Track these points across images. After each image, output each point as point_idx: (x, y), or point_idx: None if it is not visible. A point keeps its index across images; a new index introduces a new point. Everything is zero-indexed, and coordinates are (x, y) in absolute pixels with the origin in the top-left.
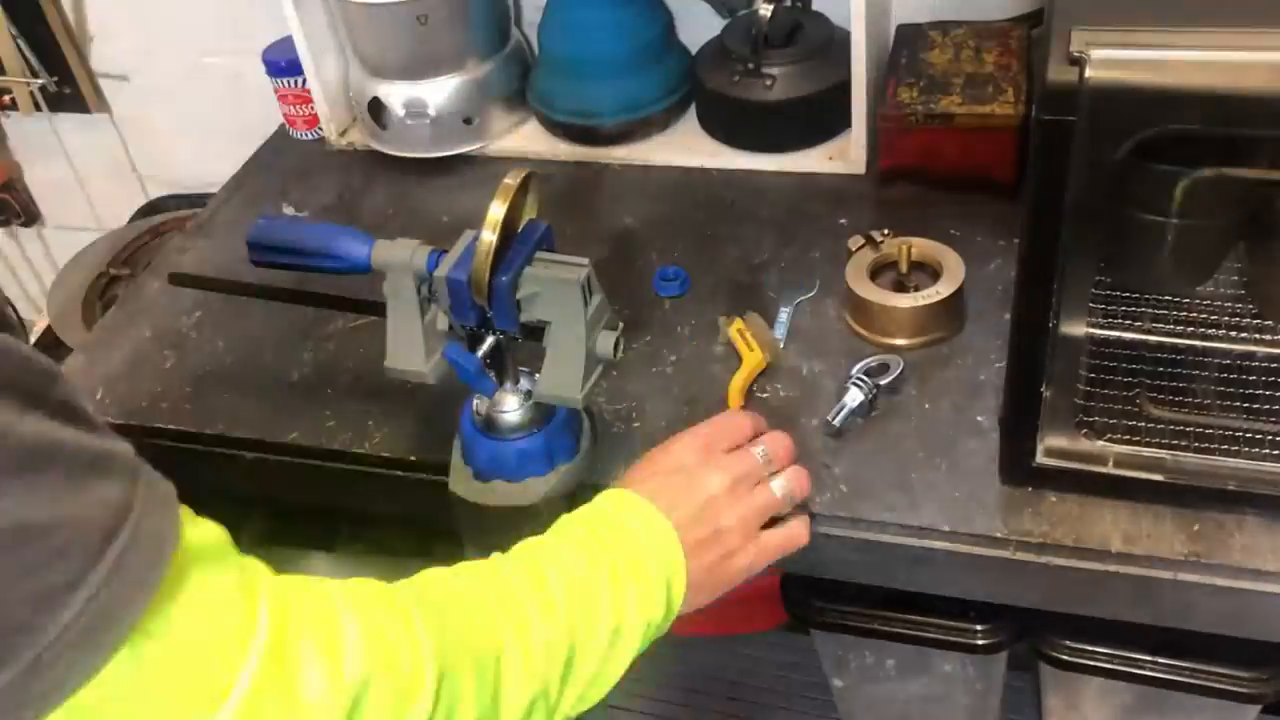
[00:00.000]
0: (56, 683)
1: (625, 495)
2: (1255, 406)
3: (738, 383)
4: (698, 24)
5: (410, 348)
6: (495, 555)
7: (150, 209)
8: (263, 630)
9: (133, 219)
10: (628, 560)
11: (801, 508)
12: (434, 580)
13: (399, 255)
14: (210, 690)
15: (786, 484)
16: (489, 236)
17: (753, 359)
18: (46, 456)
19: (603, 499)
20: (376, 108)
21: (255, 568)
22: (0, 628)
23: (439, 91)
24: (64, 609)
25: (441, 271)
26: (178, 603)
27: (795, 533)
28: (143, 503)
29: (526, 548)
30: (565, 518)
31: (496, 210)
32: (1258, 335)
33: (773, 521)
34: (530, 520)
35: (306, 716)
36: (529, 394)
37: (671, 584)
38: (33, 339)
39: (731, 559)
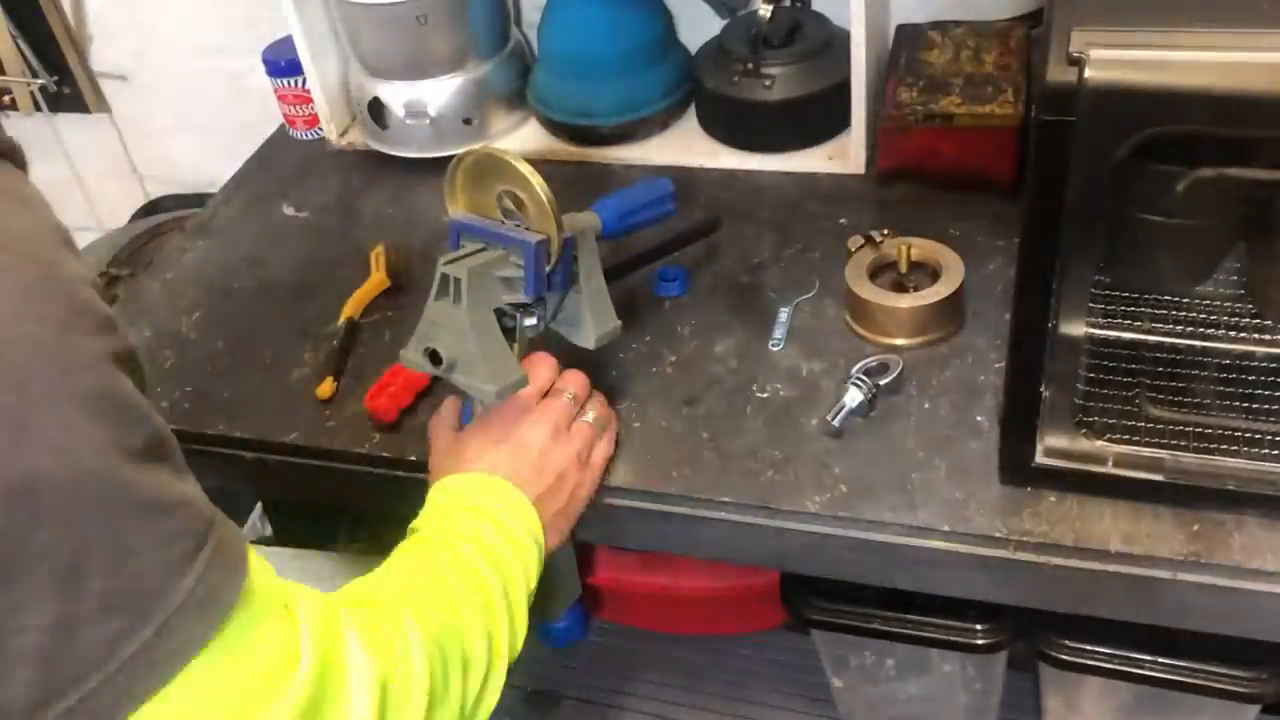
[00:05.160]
0: (177, 648)
1: (479, 479)
2: (1255, 406)
3: (358, 296)
4: (698, 24)
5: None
6: (417, 545)
7: (150, 209)
8: (307, 642)
9: (133, 219)
10: (506, 537)
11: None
12: (407, 586)
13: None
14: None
15: (595, 413)
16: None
17: (375, 279)
18: (164, 446)
19: (458, 484)
20: (376, 108)
21: (294, 590)
22: (138, 590)
23: (439, 91)
24: (184, 577)
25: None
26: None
27: (608, 449)
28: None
29: (442, 543)
30: (442, 505)
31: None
32: (1257, 335)
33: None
34: None
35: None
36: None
37: (538, 539)
38: None
39: (576, 493)
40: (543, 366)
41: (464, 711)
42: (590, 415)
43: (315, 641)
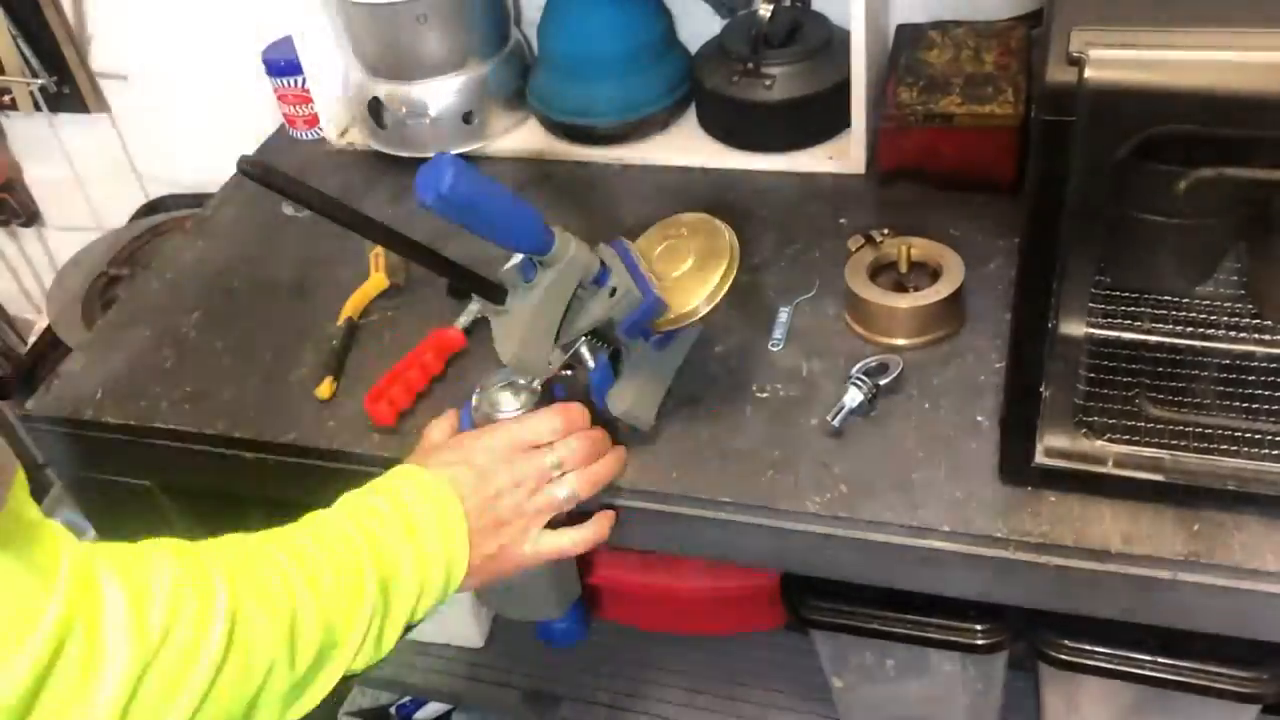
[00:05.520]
0: None
1: (426, 476)
2: (1255, 406)
3: (358, 296)
4: (698, 24)
5: (540, 345)
6: (310, 519)
7: (150, 209)
8: (63, 579)
9: (132, 219)
10: (420, 538)
11: (608, 505)
12: (234, 540)
13: (582, 257)
14: (13, 630)
15: (572, 487)
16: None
17: (375, 279)
18: None
19: (404, 477)
20: (376, 107)
21: (60, 533)
22: None
23: (439, 91)
24: None
25: (633, 297)
26: None
27: (582, 535)
28: None
29: (337, 512)
30: (365, 490)
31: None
32: (1257, 335)
33: (581, 517)
34: None
35: (108, 663)
36: (533, 393)
37: (451, 566)
38: (32, 339)
39: (507, 550)
40: (555, 417)
41: (280, 689)
42: (565, 490)
43: (68, 590)
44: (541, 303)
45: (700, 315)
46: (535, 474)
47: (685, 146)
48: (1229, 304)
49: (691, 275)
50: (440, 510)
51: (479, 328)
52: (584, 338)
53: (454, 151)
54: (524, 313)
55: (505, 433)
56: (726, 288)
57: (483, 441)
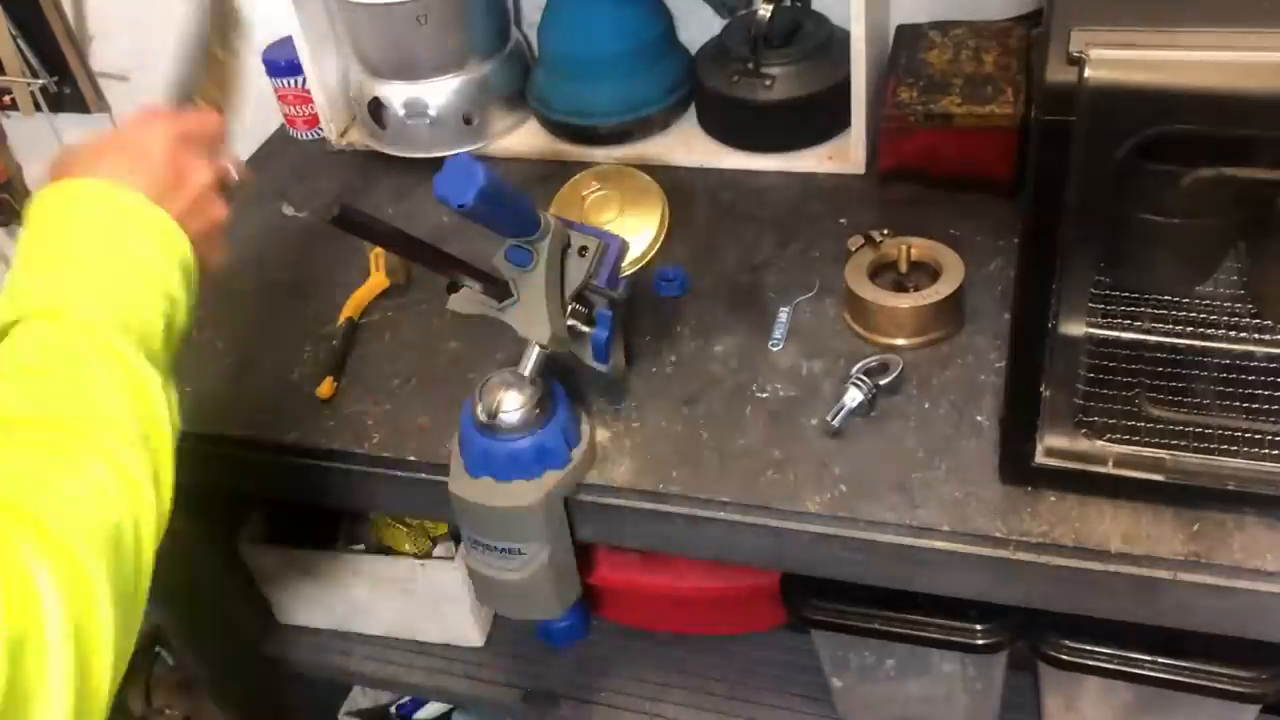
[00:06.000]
0: None
1: (107, 192)
2: (1255, 406)
3: (358, 296)
4: (698, 24)
5: (562, 317)
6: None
7: None
8: None
9: None
10: (142, 277)
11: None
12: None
13: (557, 227)
14: None
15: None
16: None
17: (375, 279)
18: None
19: (75, 198)
20: (376, 108)
21: None
22: None
23: (439, 91)
24: None
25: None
26: None
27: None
28: None
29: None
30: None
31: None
32: (1257, 335)
33: None
34: (527, 522)
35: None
36: (535, 388)
37: (186, 261)
38: None
39: (211, 212)
40: (218, 121)
41: (135, 554)
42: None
43: None
44: (548, 278)
45: (656, 250)
46: (196, 125)
47: (685, 146)
48: (1229, 304)
49: (628, 218)
50: (133, 216)
51: (475, 327)
52: (573, 306)
53: (454, 151)
54: (538, 292)
55: (173, 125)
56: (668, 224)
57: (145, 135)
